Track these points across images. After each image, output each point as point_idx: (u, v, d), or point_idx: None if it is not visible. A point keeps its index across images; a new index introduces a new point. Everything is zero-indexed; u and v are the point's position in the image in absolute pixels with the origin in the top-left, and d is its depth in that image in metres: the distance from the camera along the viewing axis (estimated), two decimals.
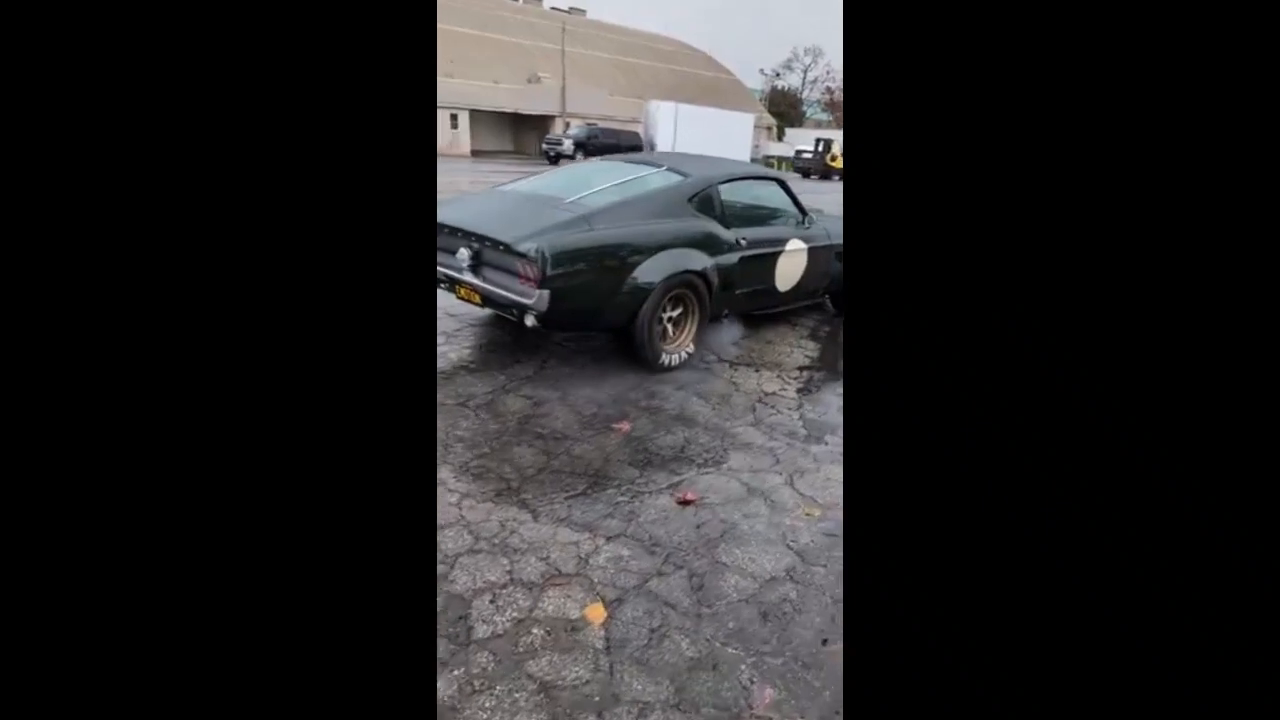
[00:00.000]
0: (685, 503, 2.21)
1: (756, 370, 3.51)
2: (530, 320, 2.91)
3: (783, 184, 4.12)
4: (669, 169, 3.65)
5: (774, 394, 3.20)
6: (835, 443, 2.73)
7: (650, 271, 3.09)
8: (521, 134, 30.42)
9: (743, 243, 3.56)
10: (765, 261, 3.76)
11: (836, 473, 2.47)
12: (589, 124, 24.68)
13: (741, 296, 3.69)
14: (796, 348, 3.93)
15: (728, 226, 3.55)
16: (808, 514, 2.19)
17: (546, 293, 2.79)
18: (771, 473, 2.45)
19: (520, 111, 28.75)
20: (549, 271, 2.79)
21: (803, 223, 4.07)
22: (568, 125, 26.00)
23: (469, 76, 26.71)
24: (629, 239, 3.06)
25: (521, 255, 2.83)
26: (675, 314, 3.36)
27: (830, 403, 3.13)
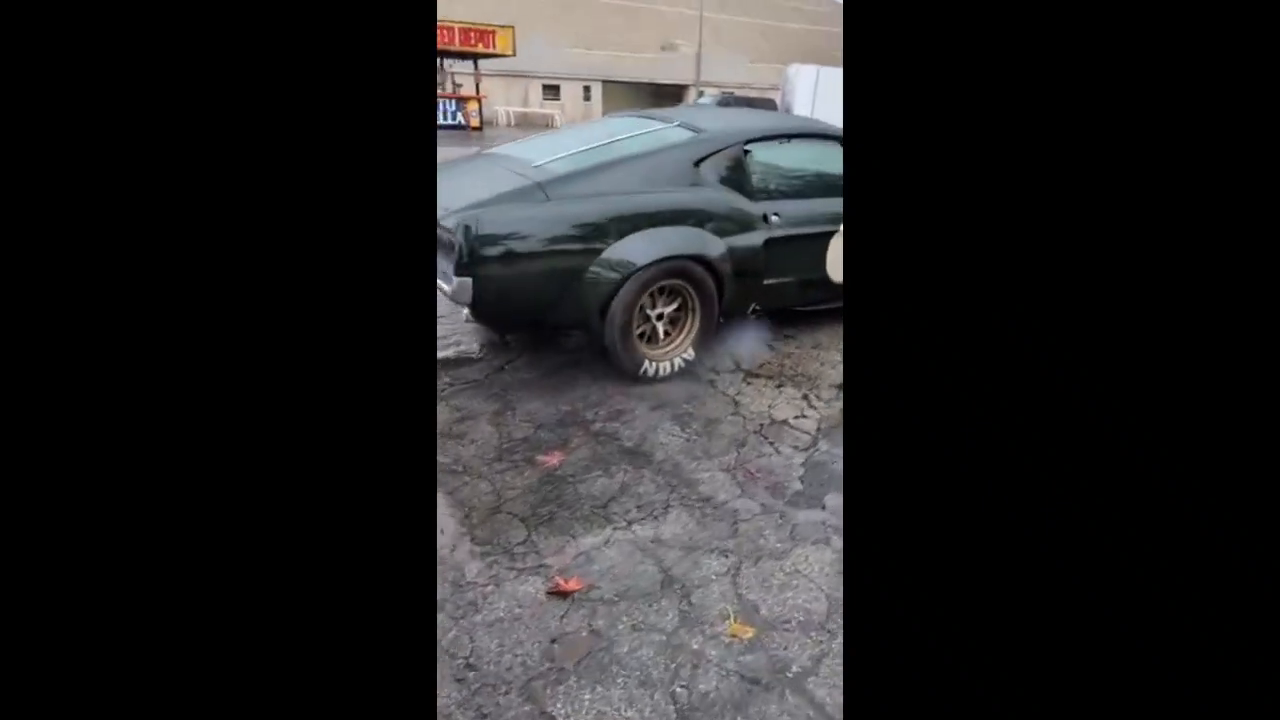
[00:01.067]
0: (559, 593, 1.54)
1: (777, 386, 2.69)
2: (466, 314, 2.34)
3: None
4: (681, 124, 2.89)
5: (783, 423, 2.39)
6: (837, 509, 1.91)
7: (626, 255, 2.39)
8: (658, 104, 29.86)
9: (774, 219, 2.75)
10: (811, 244, 2.90)
11: (815, 562, 1.67)
12: (723, 92, 23.58)
13: (776, 289, 2.87)
14: None
15: (755, 198, 2.75)
16: (734, 635, 1.43)
17: (469, 280, 2.19)
18: (714, 552, 1.70)
19: (655, 81, 28.14)
20: (475, 253, 2.19)
21: None
22: (700, 94, 25.04)
23: (606, 48, 26.48)
24: (592, 215, 2.37)
25: (448, 232, 2.25)
26: (670, 310, 2.63)
27: None
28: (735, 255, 2.63)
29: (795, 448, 2.23)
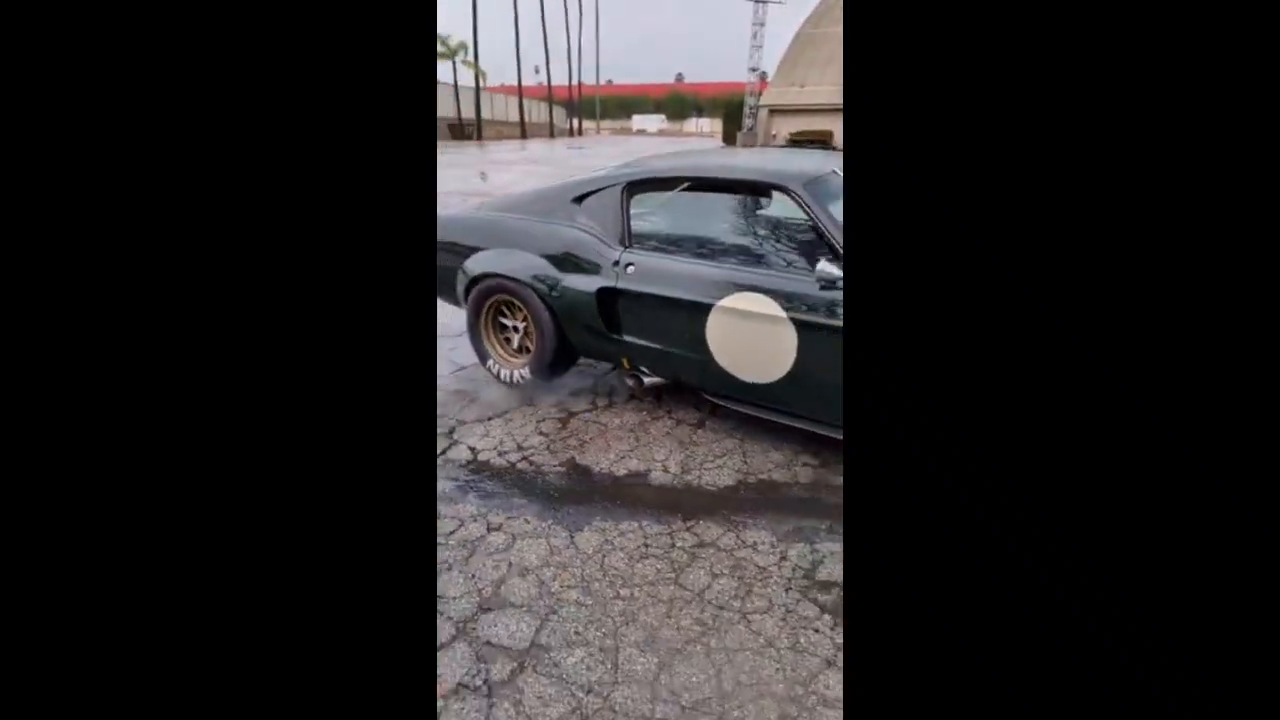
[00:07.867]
0: None
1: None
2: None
3: (798, 198, 2.20)
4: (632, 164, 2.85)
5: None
6: None
7: (469, 268, 2.86)
8: None
9: (629, 269, 2.47)
10: (674, 311, 2.37)
11: None
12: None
13: (642, 351, 2.53)
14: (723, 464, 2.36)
15: (629, 244, 2.53)
16: None
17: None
18: None
19: None
20: None
21: (820, 267, 2.06)
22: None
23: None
24: (459, 234, 2.91)
25: None
26: (523, 324, 2.84)
27: None
28: (563, 294, 2.59)
29: None
